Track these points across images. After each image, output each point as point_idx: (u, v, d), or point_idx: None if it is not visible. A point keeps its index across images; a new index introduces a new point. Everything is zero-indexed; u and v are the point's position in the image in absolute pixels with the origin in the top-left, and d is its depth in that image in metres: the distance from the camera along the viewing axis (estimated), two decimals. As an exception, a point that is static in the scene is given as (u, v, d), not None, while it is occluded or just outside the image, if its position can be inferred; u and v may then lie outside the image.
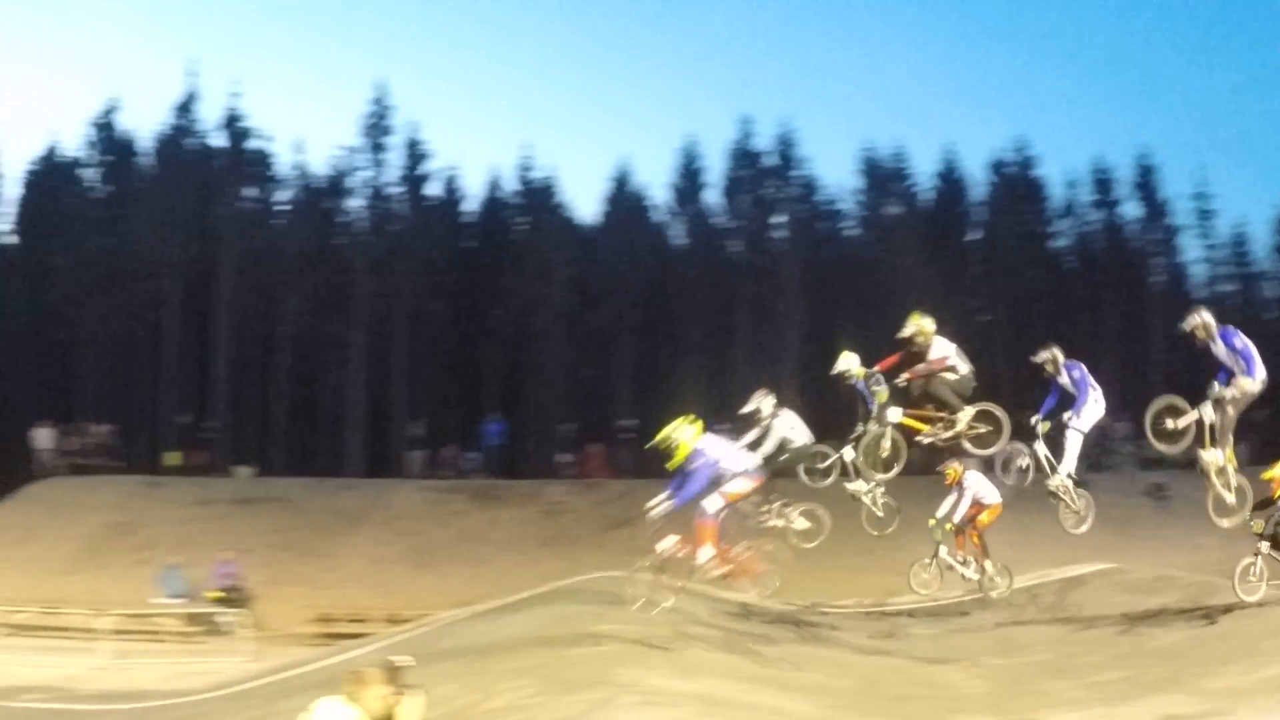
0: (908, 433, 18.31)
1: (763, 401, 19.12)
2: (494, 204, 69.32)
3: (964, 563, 20.45)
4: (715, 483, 16.58)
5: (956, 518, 20.25)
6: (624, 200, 67.60)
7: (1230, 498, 17.72)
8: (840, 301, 59.73)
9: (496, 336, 62.59)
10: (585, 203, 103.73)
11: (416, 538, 37.93)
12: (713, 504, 16.41)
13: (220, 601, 31.38)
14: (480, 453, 47.96)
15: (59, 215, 66.03)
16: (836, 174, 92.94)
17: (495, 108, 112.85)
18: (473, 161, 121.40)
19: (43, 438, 41.86)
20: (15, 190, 73.23)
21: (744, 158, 65.62)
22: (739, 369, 55.37)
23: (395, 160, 66.12)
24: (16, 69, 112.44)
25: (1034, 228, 64.63)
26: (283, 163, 67.70)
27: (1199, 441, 17.45)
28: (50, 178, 70.67)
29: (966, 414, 18.03)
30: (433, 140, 70.83)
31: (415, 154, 66.39)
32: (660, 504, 16.69)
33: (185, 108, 68.34)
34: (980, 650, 18.31)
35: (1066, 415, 18.27)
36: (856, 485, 18.79)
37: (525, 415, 58.91)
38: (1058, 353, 18.88)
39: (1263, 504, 18.18)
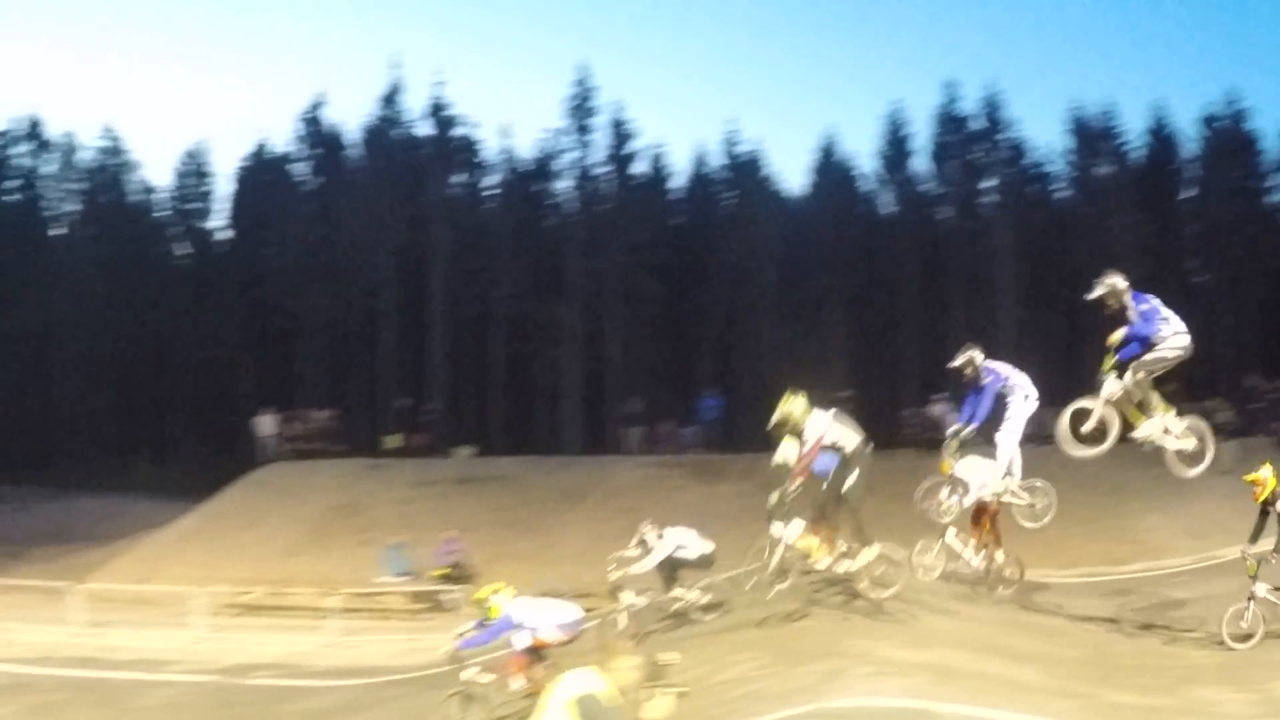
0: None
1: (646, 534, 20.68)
2: (700, 180, 68.83)
3: (973, 550, 19.29)
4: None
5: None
6: (831, 170, 66.64)
7: (1190, 444, 16.94)
8: (1053, 264, 57.89)
9: (708, 311, 62.21)
10: (792, 175, 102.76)
11: (636, 514, 37.34)
12: None
13: (445, 579, 31.41)
14: (697, 427, 47.33)
15: (272, 210, 67.77)
16: (1045, 135, 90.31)
17: (698, 83, 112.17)
18: (678, 138, 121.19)
19: (265, 425, 42.58)
20: (229, 187, 75.77)
21: (950, 123, 64.06)
22: (952, 335, 53.98)
23: (601, 140, 66.37)
24: (225, 69, 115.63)
25: (1248, 183, 61.73)
26: (489, 148, 68.59)
27: (1125, 427, 16.84)
28: (261, 173, 72.65)
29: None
30: (637, 119, 70.77)
31: (620, 133, 66.36)
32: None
33: (390, 99, 69.46)
34: (1207, 620, 17.35)
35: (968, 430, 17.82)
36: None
37: (740, 388, 58.27)
38: (976, 355, 18.40)
39: (1254, 532, 17.10)
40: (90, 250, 72.70)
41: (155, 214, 77.94)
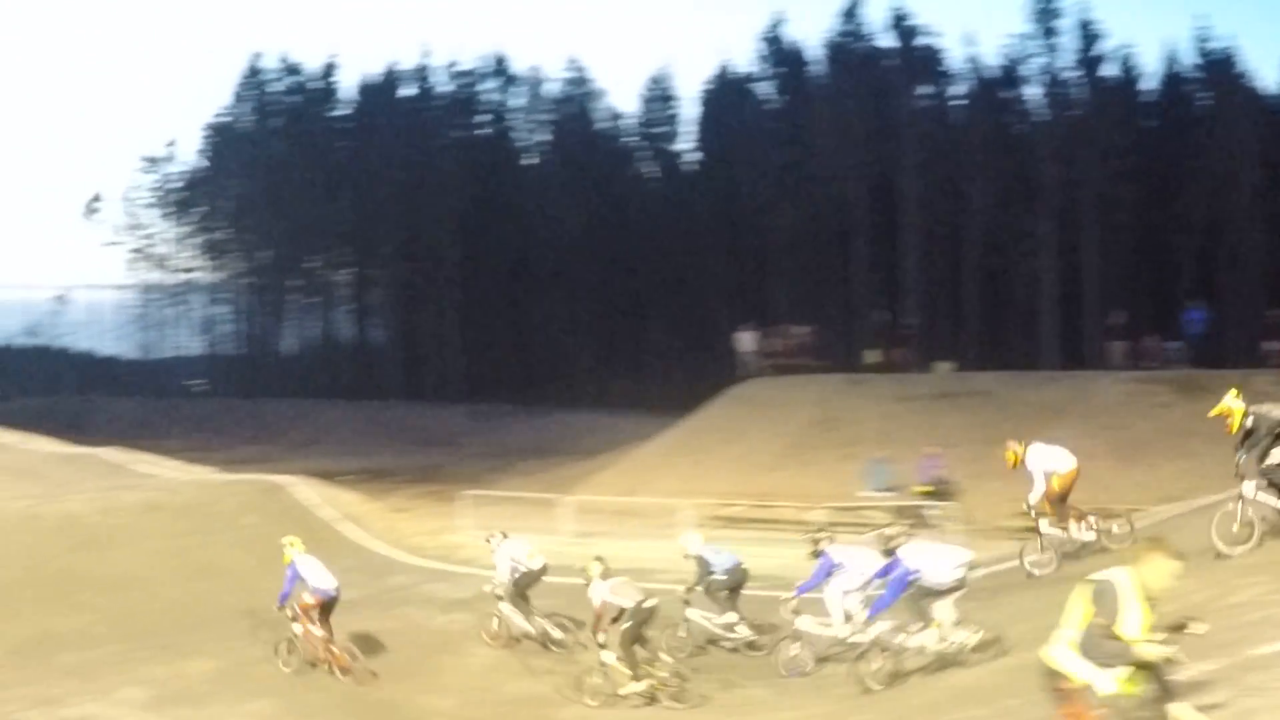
0: None
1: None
2: (1172, 80, 65.10)
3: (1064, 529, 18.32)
4: None
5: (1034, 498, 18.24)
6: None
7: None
8: None
9: (1186, 219, 58.73)
10: (1269, 71, 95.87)
11: (1120, 431, 35.76)
12: None
13: (927, 495, 30.84)
14: (1181, 342, 44.81)
15: (738, 130, 68.36)
16: None
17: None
18: (1146, 38, 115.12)
19: (745, 341, 42.95)
20: (694, 110, 76.96)
21: None
22: None
23: (1068, 43, 63.41)
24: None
25: None
26: (953, 57, 66.99)
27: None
28: (726, 95, 73.44)
29: None
30: (1104, 19, 67.71)
31: (1088, 35, 63.28)
32: None
33: (850, 13, 68.87)
34: None
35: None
36: None
37: (1225, 301, 54.97)
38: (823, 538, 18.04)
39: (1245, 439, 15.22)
40: (561, 178, 75.33)
41: (623, 139, 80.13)
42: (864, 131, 61.77)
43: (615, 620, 16.27)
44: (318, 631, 17.29)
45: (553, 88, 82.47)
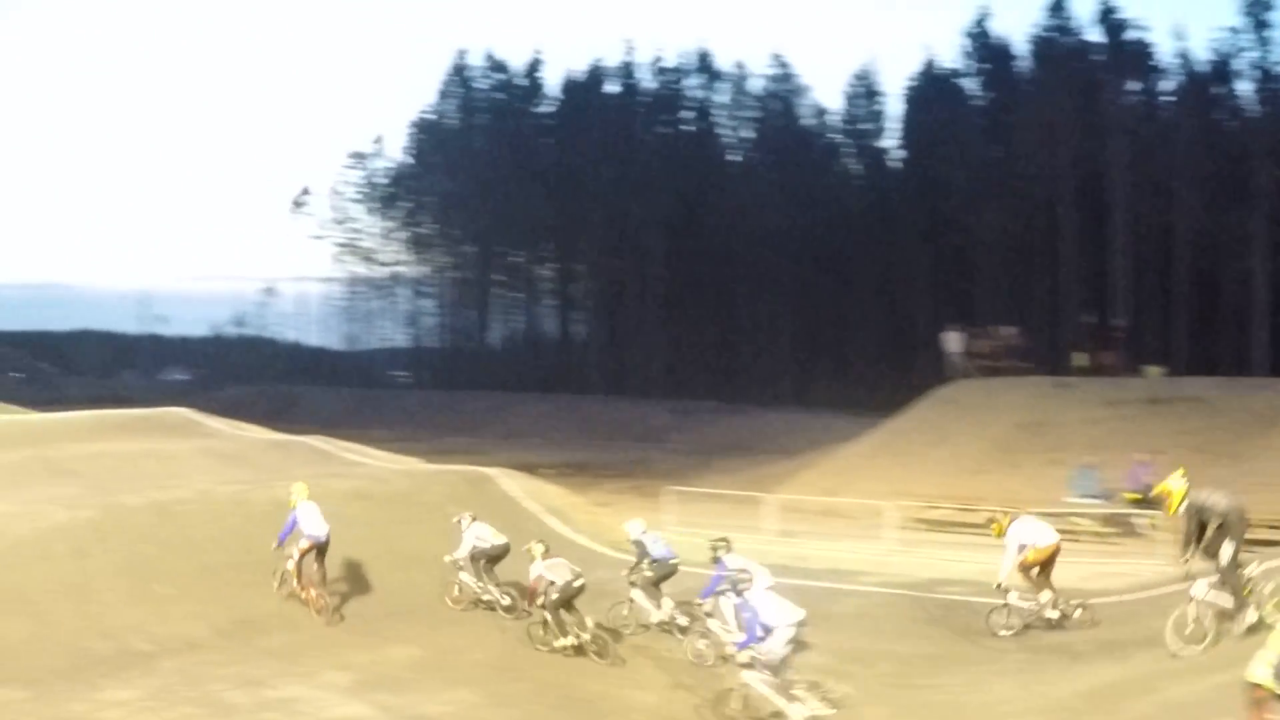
0: None
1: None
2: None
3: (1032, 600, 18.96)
4: None
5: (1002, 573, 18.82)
6: None
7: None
8: None
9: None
10: None
11: (1340, 442, 34.81)
12: None
13: (1136, 503, 30.24)
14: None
15: (943, 127, 67.80)
16: None
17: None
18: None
19: (951, 341, 42.51)
20: (899, 107, 76.55)
21: None
22: None
23: (1280, 37, 61.80)
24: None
25: None
26: (1162, 51, 65.71)
27: None
28: (931, 91, 72.91)
29: None
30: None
31: (1304, 28, 61.63)
32: None
33: (1057, 7, 67.83)
34: None
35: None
36: None
37: None
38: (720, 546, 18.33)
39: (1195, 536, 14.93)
40: (766, 175, 75.54)
41: (828, 136, 80.00)
42: (1071, 128, 60.78)
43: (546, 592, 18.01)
44: (311, 570, 19.12)
45: (757, 84, 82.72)
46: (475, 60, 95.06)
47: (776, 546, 27.47)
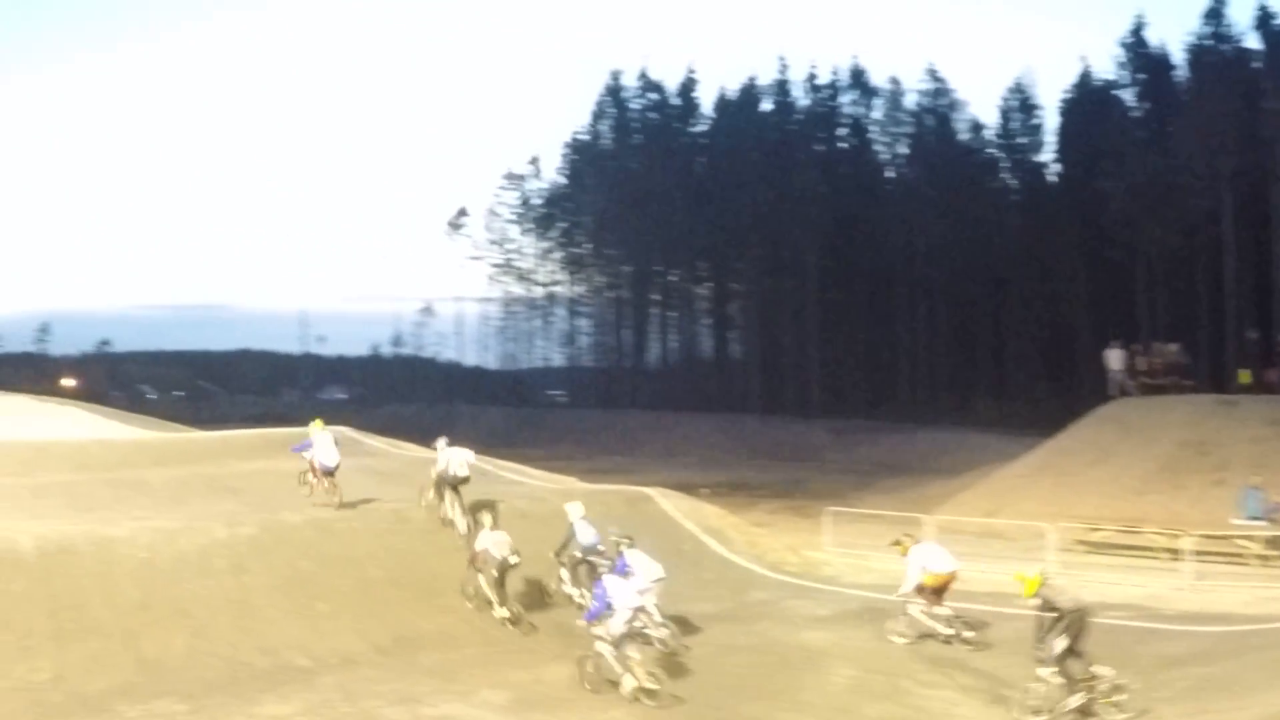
0: None
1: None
2: None
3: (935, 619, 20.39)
4: None
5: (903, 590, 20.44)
6: None
7: None
8: None
9: None
10: None
11: None
12: None
13: (1302, 525, 29.55)
14: None
15: (1101, 139, 66.84)
16: None
17: None
18: None
19: (1113, 358, 41.80)
20: (1054, 119, 75.67)
21: None
22: None
23: None
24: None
25: None
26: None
27: None
28: (1087, 103, 72.06)
29: None
30: None
31: None
32: None
33: (1214, 14, 66.75)
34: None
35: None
36: None
37: None
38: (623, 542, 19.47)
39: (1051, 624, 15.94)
40: (922, 191, 75.13)
41: (985, 151, 79.32)
42: (1232, 138, 59.41)
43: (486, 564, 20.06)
44: (324, 482, 23.19)
45: (911, 99, 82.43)
46: (629, 80, 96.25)
47: (936, 568, 27.47)
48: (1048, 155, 77.14)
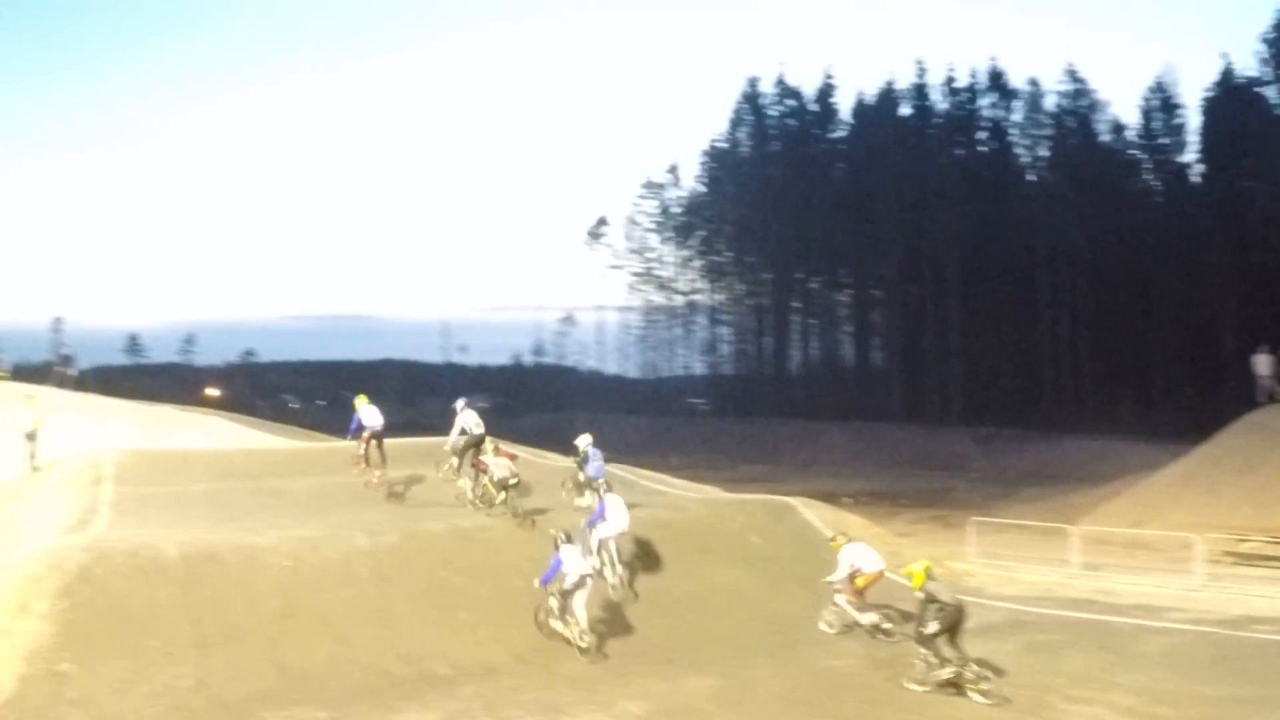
0: None
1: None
2: None
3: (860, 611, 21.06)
4: None
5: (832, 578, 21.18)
6: None
7: None
8: None
9: None
10: None
11: None
12: None
13: None
14: None
15: (1244, 138, 65.59)
16: None
17: None
18: None
19: (1261, 364, 40.91)
20: (1196, 118, 74.32)
21: None
22: None
23: None
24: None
25: None
26: None
27: None
28: (1230, 101, 70.56)
29: None
30: None
31: None
32: None
33: (1361, 7, 65.08)
34: None
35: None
36: None
37: None
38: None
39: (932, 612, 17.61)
40: (1063, 194, 74.26)
41: (1126, 152, 78.19)
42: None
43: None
44: (374, 454, 25.88)
45: (1051, 100, 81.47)
46: (766, 87, 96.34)
47: (1082, 580, 27.42)
48: (1190, 155, 75.85)
